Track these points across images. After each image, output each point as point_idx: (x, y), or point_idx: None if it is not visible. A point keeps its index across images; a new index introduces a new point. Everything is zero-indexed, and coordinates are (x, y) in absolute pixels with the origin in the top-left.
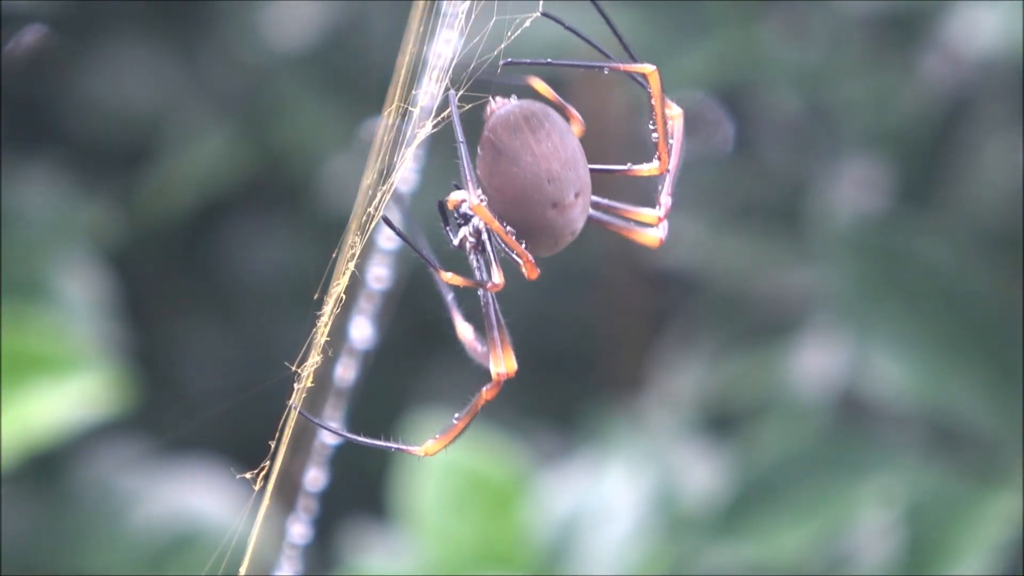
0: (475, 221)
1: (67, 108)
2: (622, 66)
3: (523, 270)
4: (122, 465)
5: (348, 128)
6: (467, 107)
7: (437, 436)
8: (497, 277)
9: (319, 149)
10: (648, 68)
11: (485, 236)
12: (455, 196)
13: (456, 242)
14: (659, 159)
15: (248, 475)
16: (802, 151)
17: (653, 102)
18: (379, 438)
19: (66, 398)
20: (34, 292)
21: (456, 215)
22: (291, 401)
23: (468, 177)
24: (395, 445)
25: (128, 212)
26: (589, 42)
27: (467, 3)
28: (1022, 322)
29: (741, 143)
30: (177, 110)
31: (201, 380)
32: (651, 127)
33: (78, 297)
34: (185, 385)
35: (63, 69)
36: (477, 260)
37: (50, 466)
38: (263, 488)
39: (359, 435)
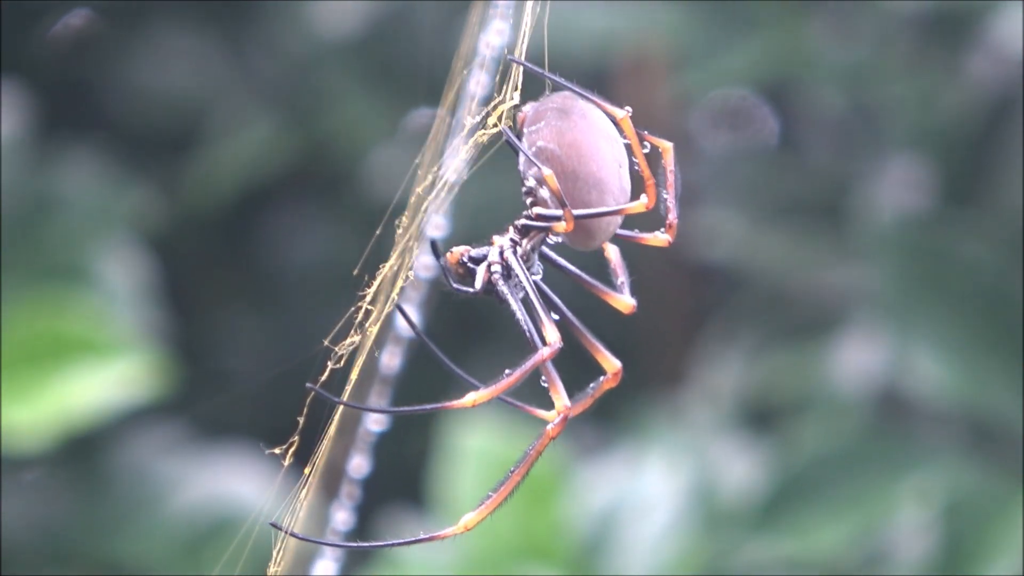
0: (492, 253)
1: (112, 93)
2: (598, 101)
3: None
4: (161, 450)
5: (393, 118)
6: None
7: (484, 388)
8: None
9: (363, 139)
10: (620, 113)
11: (509, 252)
12: (456, 250)
13: (478, 286)
14: (647, 194)
15: (277, 450)
16: (846, 149)
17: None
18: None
19: (105, 381)
20: (76, 276)
21: (462, 263)
22: (320, 380)
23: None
24: (438, 405)
25: (171, 198)
26: (560, 82)
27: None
28: None
29: (785, 140)
30: (222, 97)
31: (241, 367)
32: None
33: (119, 282)
34: (225, 372)
35: (109, 54)
36: (508, 286)
37: (89, 450)
38: (296, 468)
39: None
